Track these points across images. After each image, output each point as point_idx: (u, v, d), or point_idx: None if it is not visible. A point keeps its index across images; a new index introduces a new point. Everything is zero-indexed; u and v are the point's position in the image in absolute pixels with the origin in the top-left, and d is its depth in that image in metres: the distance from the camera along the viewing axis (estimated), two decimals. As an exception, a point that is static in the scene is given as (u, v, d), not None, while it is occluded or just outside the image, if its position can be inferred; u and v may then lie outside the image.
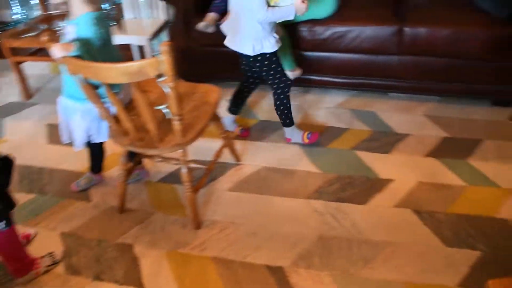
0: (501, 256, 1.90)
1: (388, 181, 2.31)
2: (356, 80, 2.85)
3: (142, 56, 3.45)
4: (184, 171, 1.94)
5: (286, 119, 2.50)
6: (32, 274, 1.92)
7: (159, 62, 1.43)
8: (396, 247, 1.96)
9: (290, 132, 2.55)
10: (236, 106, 2.64)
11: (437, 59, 2.69)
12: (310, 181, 2.33)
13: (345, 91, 3.04)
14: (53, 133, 2.84)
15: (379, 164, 2.42)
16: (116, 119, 1.78)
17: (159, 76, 1.50)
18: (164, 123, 1.86)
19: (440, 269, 1.86)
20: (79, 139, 2.02)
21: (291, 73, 2.79)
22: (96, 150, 2.28)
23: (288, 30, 2.69)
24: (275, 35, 2.26)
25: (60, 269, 1.98)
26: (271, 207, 2.20)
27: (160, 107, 1.74)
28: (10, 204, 1.75)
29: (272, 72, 2.33)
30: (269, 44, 2.23)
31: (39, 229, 2.19)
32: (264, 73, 2.36)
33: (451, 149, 2.52)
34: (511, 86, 2.71)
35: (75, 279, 1.93)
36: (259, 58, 2.28)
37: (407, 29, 2.61)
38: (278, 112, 2.48)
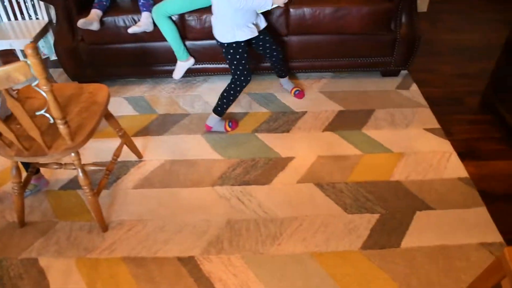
0: (398, 215, 2.07)
1: (289, 159, 2.41)
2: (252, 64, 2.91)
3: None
4: (80, 175, 1.88)
5: (221, 108, 2.53)
6: None
7: (27, 65, 1.37)
8: (301, 221, 2.06)
9: (214, 121, 2.57)
10: (279, 70, 2.73)
11: (324, 37, 2.82)
12: (214, 168, 2.37)
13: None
14: None
15: (280, 143, 2.51)
16: (-3, 131, 1.69)
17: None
18: (51, 128, 1.80)
19: (343, 236, 1.99)
20: None
21: (184, 62, 2.80)
22: None
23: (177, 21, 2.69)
24: (250, 25, 2.32)
25: (-42, 297, 1.87)
26: (178, 199, 2.21)
27: (40, 112, 1.67)
28: None
29: (234, 63, 2.40)
30: (241, 33, 2.30)
31: None
32: (227, 60, 2.43)
33: (347, 121, 2.67)
34: (393, 57, 2.91)
35: (-24, 305, 1.83)
36: (225, 45, 2.35)
37: (292, 10, 2.69)
38: (220, 97, 2.51)
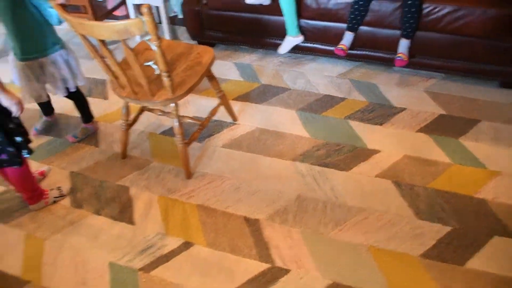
0: (472, 234, 1.98)
1: (374, 152, 2.42)
2: (360, 51, 2.90)
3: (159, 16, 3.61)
4: (176, 124, 2.12)
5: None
6: (42, 203, 2.22)
7: (142, 22, 1.58)
8: (368, 214, 2.09)
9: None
10: (404, 26, 2.71)
11: (438, 35, 2.71)
12: (299, 145, 2.47)
13: (348, 62, 3.11)
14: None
15: (370, 134, 2.52)
16: (114, 74, 1.97)
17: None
18: (158, 79, 2.04)
19: (406, 239, 1.97)
20: (60, 89, 2.30)
21: (293, 38, 2.88)
22: (77, 100, 2.52)
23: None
24: None
25: (66, 202, 2.26)
26: (258, 166, 2.36)
27: (148, 63, 1.91)
28: (28, 139, 2.02)
29: None
30: None
31: (53, 167, 2.46)
32: None
33: (445, 127, 2.58)
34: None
35: (78, 211, 2.21)
36: None
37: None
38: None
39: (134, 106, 2.66)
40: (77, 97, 2.50)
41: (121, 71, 1.87)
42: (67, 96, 2.44)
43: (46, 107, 2.65)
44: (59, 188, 2.29)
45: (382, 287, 1.79)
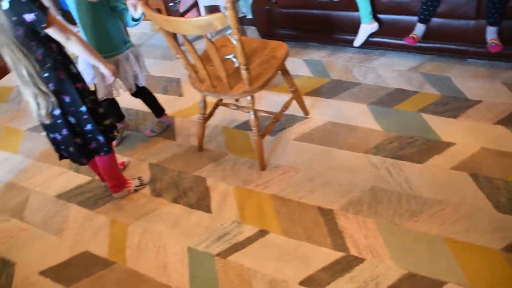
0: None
1: (449, 144, 2.37)
2: (431, 44, 2.85)
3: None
4: (252, 117, 2.20)
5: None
6: (124, 191, 2.38)
7: (225, 16, 1.67)
8: (445, 206, 2.05)
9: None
10: (489, 13, 2.63)
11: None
12: (372, 137, 2.47)
13: (419, 55, 3.05)
14: (149, 83, 3.28)
15: (444, 127, 2.47)
16: (193, 68, 2.08)
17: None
18: (235, 73, 2.13)
19: (486, 231, 1.91)
20: (131, 85, 2.42)
21: (368, 25, 2.88)
22: (145, 97, 2.65)
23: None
24: None
25: (146, 191, 2.41)
26: (331, 158, 2.39)
27: (228, 56, 2.00)
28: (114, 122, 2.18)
29: None
30: None
31: (132, 159, 2.63)
32: None
33: (525, 119, 2.48)
34: None
35: (157, 200, 2.35)
36: None
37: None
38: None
39: (210, 102, 2.77)
40: (144, 94, 2.63)
41: (202, 65, 1.97)
42: (134, 95, 2.57)
43: (118, 114, 2.78)
44: (140, 178, 2.44)
45: (459, 280, 1.75)
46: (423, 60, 3.00)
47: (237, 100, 2.76)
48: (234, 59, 2.07)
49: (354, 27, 2.93)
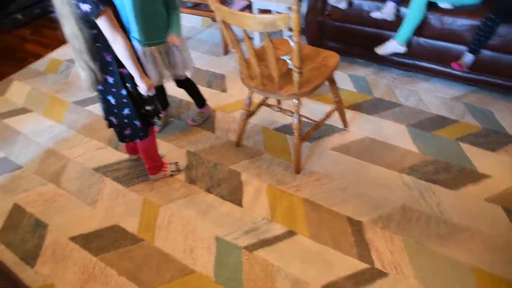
0: None
1: (485, 176, 2.37)
2: (478, 76, 2.86)
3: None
4: (295, 120, 2.25)
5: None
6: (160, 174, 2.46)
7: (289, 18, 1.73)
8: (474, 234, 2.06)
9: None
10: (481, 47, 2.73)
11: None
12: (407, 158, 2.49)
13: (463, 86, 3.06)
14: (195, 75, 3.37)
15: (481, 159, 2.48)
16: (247, 64, 2.15)
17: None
18: (286, 75, 2.19)
19: (515, 265, 1.92)
20: (180, 72, 2.48)
21: (398, 45, 2.90)
22: (189, 87, 2.71)
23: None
24: None
25: (181, 176, 2.49)
26: (365, 172, 2.42)
27: (284, 56, 2.07)
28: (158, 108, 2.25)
29: None
30: None
31: (171, 145, 2.71)
32: None
33: None
34: None
35: (191, 187, 2.42)
36: None
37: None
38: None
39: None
40: (189, 84, 2.70)
41: (257, 62, 2.04)
42: (179, 85, 2.65)
43: (164, 101, 2.87)
44: (176, 164, 2.52)
45: (483, 308, 1.77)
46: (467, 90, 3.02)
47: (279, 102, 2.82)
48: (288, 61, 2.14)
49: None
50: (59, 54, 4.08)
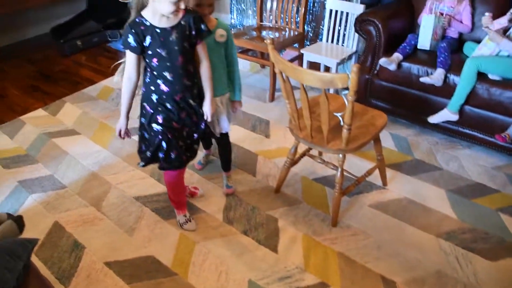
0: None
1: (525, 250, 2.35)
2: (523, 149, 2.87)
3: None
4: (338, 174, 2.30)
5: None
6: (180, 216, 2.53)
7: (347, 78, 1.82)
8: (510, 309, 2.04)
9: None
10: None
11: None
12: (445, 223, 2.49)
13: (506, 156, 3.05)
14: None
15: (521, 232, 2.46)
16: (298, 115, 2.23)
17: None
18: (335, 130, 2.26)
19: None
20: (223, 126, 2.48)
21: (450, 113, 2.94)
22: (225, 146, 2.66)
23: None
24: None
25: (219, 215, 2.56)
26: (401, 232, 2.43)
27: (338, 114, 2.14)
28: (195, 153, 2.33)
29: None
30: None
31: (212, 184, 2.79)
32: None
33: None
34: None
35: (228, 227, 2.48)
36: None
37: None
38: None
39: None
40: (226, 142, 2.64)
41: (309, 116, 2.12)
42: (217, 140, 2.59)
43: (208, 141, 2.91)
44: (188, 219, 2.51)
45: None
46: (509, 161, 3.01)
47: (320, 153, 2.88)
48: (340, 118, 2.21)
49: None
50: (112, 82, 4.28)
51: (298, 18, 3.82)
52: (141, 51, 1.95)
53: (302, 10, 3.69)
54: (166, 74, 2.00)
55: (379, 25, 3.10)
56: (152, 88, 2.05)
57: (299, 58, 3.82)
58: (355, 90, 1.88)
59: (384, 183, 2.75)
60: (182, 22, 1.95)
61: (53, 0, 5.21)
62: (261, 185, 2.78)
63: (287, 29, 3.85)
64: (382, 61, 3.08)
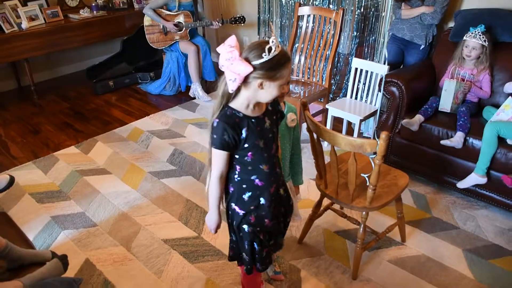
0: None
1: (540, 315, 2.41)
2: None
3: (349, 130, 4.09)
4: (361, 230, 2.42)
5: None
6: None
7: (376, 144, 1.97)
8: None
9: None
10: None
11: None
12: (462, 282, 2.56)
13: (523, 218, 3.15)
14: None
15: (538, 297, 2.53)
16: (324, 172, 2.38)
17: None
18: (360, 188, 2.40)
19: None
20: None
21: (478, 177, 3.04)
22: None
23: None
24: None
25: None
26: (419, 289, 2.52)
27: (365, 175, 2.29)
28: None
29: None
30: None
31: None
32: None
33: None
34: None
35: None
36: None
37: None
38: None
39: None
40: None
41: (338, 174, 2.26)
42: None
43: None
44: None
45: None
46: (525, 223, 3.10)
47: (342, 208, 3.00)
48: (367, 178, 2.35)
49: (465, 174, 3.11)
50: (141, 124, 4.50)
51: (325, 74, 4.02)
52: (235, 147, 1.77)
53: (329, 67, 3.89)
54: (262, 166, 1.82)
55: (403, 87, 3.28)
56: (244, 186, 1.86)
57: (324, 112, 4.00)
58: (382, 155, 2.03)
59: (403, 239, 2.85)
60: (269, 107, 1.84)
61: (88, 42, 5.51)
62: (285, 235, 2.89)
63: (313, 84, 4.04)
64: (405, 122, 3.23)
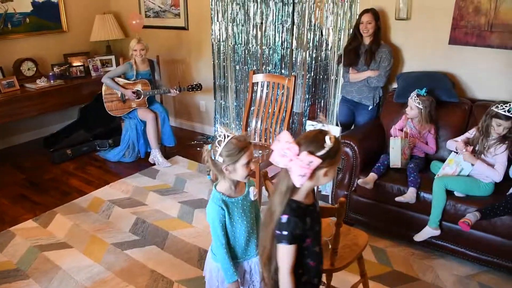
0: None
1: None
2: (491, 258, 3.09)
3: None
4: (324, 290, 2.49)
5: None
6: None
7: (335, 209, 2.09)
8: None
9: None
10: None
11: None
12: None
13: (476, 265, 3.26)
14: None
15: None
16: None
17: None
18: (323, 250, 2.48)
19: None
20: None
21: (432, 229, 3.20)
22: None
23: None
24: None
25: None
26: None
27: (327, 238, 2.38)
28: None
29: None
30: None
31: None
32: None
33: None
34: None
35: None
36: None
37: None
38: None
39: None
40: None
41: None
42: None
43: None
44: None
45: None
46: (479, 270, 3.22)
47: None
48: (329, 242, 2.44)
49: (421, 227, 3.27)
50: (101, 193, 4.45)
51: (280, 136, 4.17)
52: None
53: (284, 129, 4.06)
54: (316, 248, 1.82)
55: (355, 147, 3.48)
56: (300, 271, 1.78)
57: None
58: (341, 220, 2.14)
59: (368, 297, 2.93)
60: None
61: (46, 111, 5.50)
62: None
63: (270, 147, 4.17)
64: (360, 181, 3.40)
